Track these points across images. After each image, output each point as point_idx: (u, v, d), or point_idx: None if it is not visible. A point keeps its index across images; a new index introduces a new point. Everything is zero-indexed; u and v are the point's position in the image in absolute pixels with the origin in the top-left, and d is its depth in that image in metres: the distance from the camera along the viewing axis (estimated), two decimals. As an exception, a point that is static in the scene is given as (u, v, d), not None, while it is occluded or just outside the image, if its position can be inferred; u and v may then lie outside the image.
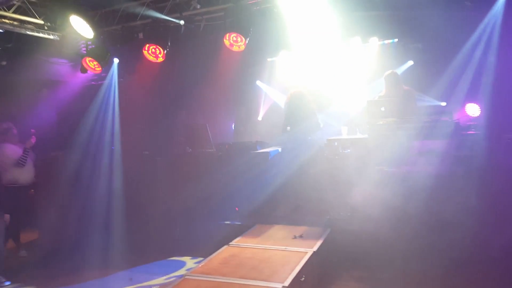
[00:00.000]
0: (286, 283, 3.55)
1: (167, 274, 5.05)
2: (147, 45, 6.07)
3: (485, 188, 4.78)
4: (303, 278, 3.86)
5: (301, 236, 4.89)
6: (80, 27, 5.77)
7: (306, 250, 4.35)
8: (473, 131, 5.32)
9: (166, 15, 5.83)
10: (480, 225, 4.59)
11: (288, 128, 5.89)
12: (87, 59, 6.47)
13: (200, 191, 6.00)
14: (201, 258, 4.94)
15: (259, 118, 8.49)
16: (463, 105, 6.94)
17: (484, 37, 6.26)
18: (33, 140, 5.85)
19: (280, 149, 6.39)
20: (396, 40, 7.08)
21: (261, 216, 5.80)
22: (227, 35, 5.45)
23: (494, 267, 4.32)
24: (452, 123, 5.04)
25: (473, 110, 6.94)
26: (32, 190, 6.41)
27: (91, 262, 5.41)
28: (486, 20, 6.09)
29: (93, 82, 8.44)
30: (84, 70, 6.74)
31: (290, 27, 5.60)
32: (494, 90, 6.18)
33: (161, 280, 4.89)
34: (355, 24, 6.01)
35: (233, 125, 8.72)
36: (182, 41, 6.55)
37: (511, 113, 5.77)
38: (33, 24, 6.17)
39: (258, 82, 8.46)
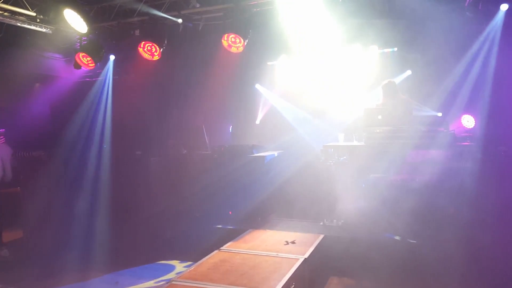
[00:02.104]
0: (275, 291, 3.51)
1: (155, 278, 4.94)
2: (143, 42, 5.97)
3: (478, 200, 4.78)
4: (292, 286, 3.84)
5: (293, 243, 4.87)
6: (74, 21, 5.64)
7: (298, 257, 4.33)
8: (468, 142, 5.33)
9: (164, 12, 5.74)
10: (471, 236, 4.57)
11: None
12: (81, 54, 6.36)
13: (193, 194, 5.92)
14: (191, 263, 4.84)
15: (257, 122, 8.46)
16: (459, 116, 6.97)
17: (483, 49, 6.28)
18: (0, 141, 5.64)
19: (276, 154, 6.33)
20: (395, 49, 7.09)
21: (254, 221, 5.74)
22: (226, 35, 5.39)
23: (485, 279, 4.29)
24: (448, 134, 5.04)
25: (468, 121, 6.97)
26: (18, 188, 6.26)
27: (76, 264, 5.28)
28: (485, 32, 6.12)
29: (87, 79, 8.31)
30: (77, 66, 6.61)
31: (291, 31, 5.56)
32: (490, 102, 6.20)
33: (148, 284, 4.79)
34: (355, 31, 6.00)
35: (230, 128, 8.67)
36: (180, 40, 6.47)
37: (505, 126, 5.79)
38: (24, 16, 6.02)
39: (257, 86, 8.43)
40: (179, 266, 5.32)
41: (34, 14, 6.07)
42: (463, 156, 5.04)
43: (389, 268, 4.50)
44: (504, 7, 5.69)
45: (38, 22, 6.23)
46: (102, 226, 5.98)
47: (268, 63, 8.03)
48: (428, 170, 5.13)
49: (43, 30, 6.39)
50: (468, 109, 6.82)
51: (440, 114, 6.78)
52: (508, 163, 5.12)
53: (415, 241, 4.81)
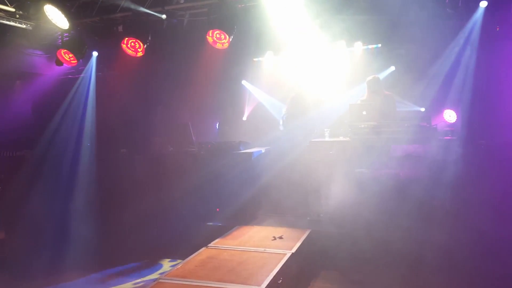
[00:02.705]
0: (263, 286, 3.54)
1: (142, 277, 4.91)
2: (126, 38, 5.88)
3: (460, 193, 4.89)
4: (280, 280, 3.85)
5: (280, 238, 4.89)
6: (55, 17, 5.51)
7: (285, 252, 4.36)
8: (449, 136, 5.44)
9: (148, 8, 5.67)
10: (455, 228, 4.68)
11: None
12: (62, 51, 6.22)
13: (180, 191, 5.87)
14: (179, 260, 4.82)
15: (244, 118, 8.45)
16: (441, 111, 7.11)
17: (463, 45, 6.42)
18: None
19: (263, 150, 6.35)
20: (379, 45, 7.18)
21: (242, 217, 5.74)
22: (211, 31, 5.35)
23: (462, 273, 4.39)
24: (430, 128, 5.12)
25: (450, 116, 7.12)
26: None
27: (61, 264, 5.18)
28: (466, 28, 6.25)
29: (70, 76, 8.15)
30: (59, 63, 6.47)
31: (276, 27, 5.57)
32: (471, 97, 6.34)
33: (135, 282, 4.75)
34: (340, 27, 6.03)
35: (217, 125, 8.65)
36: (164, 36, 6.39)
37: (485, 119, 5.94)
38: (3, 12, 5.87)
39: (243, 82, 8.42)
40: (167, 264, 5.30)
41: (13, 9, 5.94)
42: (445, 150, 5.15)
43: (375, 260, 4.58)
44: (483, 3, 5.83)
45: (17, 18, 6.09)
46: (88, 225, 5.88)
47: (254, 59, 8.03)
48: (411, 164, 5.23)
49: (23, 26, 6.24)
50: (450, 104, 6.97)
51: (423, 109, 6.92)
52: (488, 157, 5.26)
53: (400, 234, 4.89)
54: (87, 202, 6.19)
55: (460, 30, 6.27)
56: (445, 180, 4.89)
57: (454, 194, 4.93)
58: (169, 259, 5.45)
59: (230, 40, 5.34)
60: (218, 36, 5.36)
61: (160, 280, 3.77)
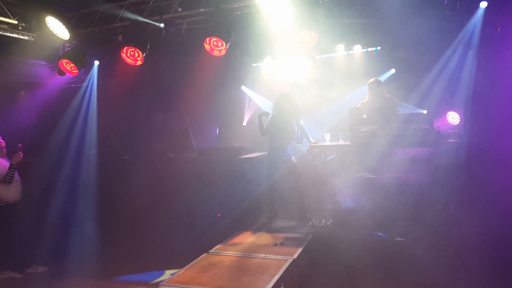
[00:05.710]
0: (264, 293, 3.51)
1: (143, 283, 4.90)
2: (125, 47, 5.95)
3: (464, 196, 4.83)
4: (282, 287, 3.81)
5: (282, 244, 4.86)
6: (56, 28, 5.63)
7: (286, 258, 4.33)
8: (453, 139, 5.37)
9: (146, 17, 5.73)
10: (459, 233, 4.61)
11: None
12: (64, 61, 6.31)
13: (181, 197, 5.88)
14: (180, 268, 4.81)
15: (244, 124, 8.46)
16: (444, 113, 7.03)
17: (464, 46, 6.36)
18: (21, 155, 5.32)
19: (263, 155, 6.35)
20: (379, 48, 7.15)
21: (243, 223, 5.73)
22: (208, 39, 5.39)
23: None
24: (433, 131, 5.06)
25: (453, 118, 7.04)
26: None
27: (62, 272, 5.20)
28: (466, 29, 6.20)
29: (72, 85, 8.26)
30: (61, 73, 6.56)
31: (273, 33, 5.57)
32: (474, 99, 6.25)
33: (136, 289, 4.75)
34: (339, 31, 6.01)
35: (217, 130, 8.68)
36: (163, 44, 6.45)
37: (489, 122, 5.85)
38: (6, 24, 6.00)
39: (243, 87, 8.43)
40: (168, 271, 5.28)
41: (16, 22, 6.05)
42: (448, 153, 5.09)
43: (378, 266, 4.52)
44: (483, 4, 5.78)
45: (20, 30, 6.21)
46: (90, 233, 5.92)
47: (253, 64, 8.06)
48: (414, 168, 5.17)
49: (26, 38, 6.36)
50: (453, 106, 6.89)
51: (425, 112, 6.85)
52: (493, 159, 5.18)
53: (403, 239, 4.84)
54: (89, 209, 6.23)
55: (460, 31, 6.22)
56: (448, 183, 4.83)
57: (458, 198, 4.87)
58: (170, 266, 5.44)
59: (227, 47, 5.37)
60: (215, 43, 5.39)
61: (162, 287, 3.78)
